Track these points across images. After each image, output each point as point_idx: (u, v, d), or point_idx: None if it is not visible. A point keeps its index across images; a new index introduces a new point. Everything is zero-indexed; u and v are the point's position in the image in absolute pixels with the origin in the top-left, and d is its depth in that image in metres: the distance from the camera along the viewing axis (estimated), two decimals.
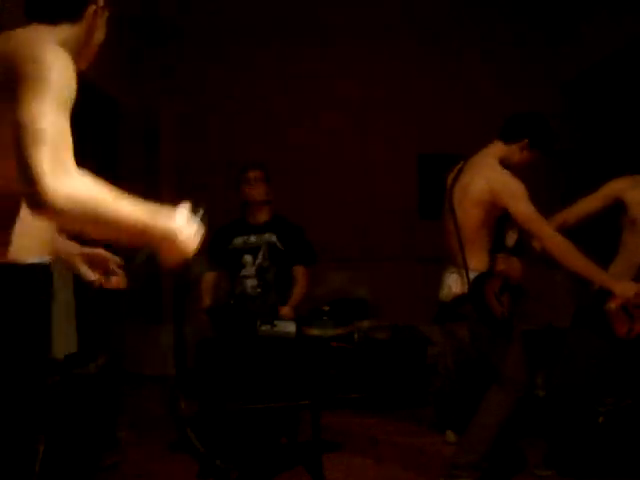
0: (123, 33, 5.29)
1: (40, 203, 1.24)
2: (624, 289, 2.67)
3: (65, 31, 1.53)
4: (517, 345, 2.90)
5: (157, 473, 3.18)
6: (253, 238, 3.50)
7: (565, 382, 2.94)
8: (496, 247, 2.85)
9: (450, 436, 3.59)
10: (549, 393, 3.11)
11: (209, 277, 3.57)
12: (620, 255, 2.82)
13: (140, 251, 1.49)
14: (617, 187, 2.83)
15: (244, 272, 3.47)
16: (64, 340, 3.66)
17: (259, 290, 3.44)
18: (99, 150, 5.03)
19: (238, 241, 3.51)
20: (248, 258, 3.48)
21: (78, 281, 3.99)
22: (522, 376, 2.87)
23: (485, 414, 2.81)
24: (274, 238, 3.50)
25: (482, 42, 5.61)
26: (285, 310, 3.39)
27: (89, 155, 4.83)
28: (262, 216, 3.53)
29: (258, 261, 3.47)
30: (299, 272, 3.53)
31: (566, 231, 2.81)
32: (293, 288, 3.50)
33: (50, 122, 1.27)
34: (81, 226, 1.42)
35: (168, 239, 1.45)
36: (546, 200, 5.66)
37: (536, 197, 5.47)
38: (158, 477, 3.14)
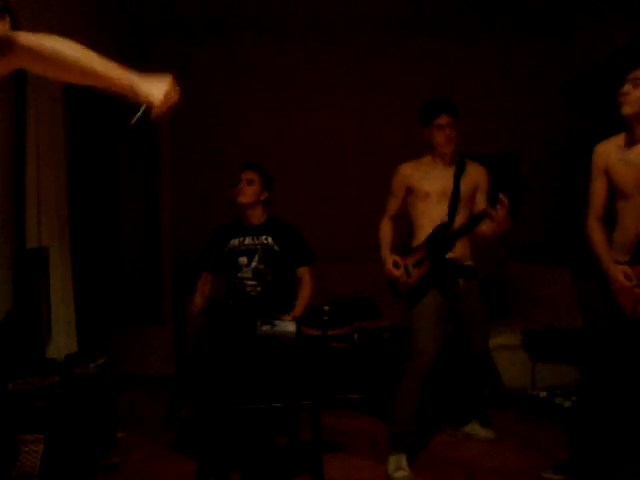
0: (124, 32, 5.30)
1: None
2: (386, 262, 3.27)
3: None
4: (420, 318, 3.18)
5: (157, 473, 3.18)
6: (248, 240, 3.50)
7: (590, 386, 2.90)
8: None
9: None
10: (576, 402, 3.08)
11: (205, 277, 3.57)
12: (617, 227, 2.80)
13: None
14: (601, 163, 2.82)
15: (241, 274, 3.47)
16: (64, 340, 3.66)
17: (259, 289, 3.44)
18: (99, 150, 5.04)
19: (234, 243, 3.52)
20: (243, 260, 3.47)
21: (78, 281, 4.00)
22: (425, 349, 3.14)
23: (399, 390, 3.22)
24: (270, 240, 3.49)
25: (481, 43, 5.62)
26: (294, 312, 3.36)
27: (89, 155, 4.85)
28: (256, 218, 3.53)
29: (254, 264, 3.46)
30: (304, 273, 3.52)
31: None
32: (300, 289, 3.49)
33: None
34: (47, 64, 1.46)
35: (146, 85, 1.50)
36: (547, 199, 5.70)
37: (537, 195, 5.46)
38: (158, 477, 3.14)
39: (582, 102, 5.37)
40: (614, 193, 2.78)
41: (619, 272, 2.67)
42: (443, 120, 3.25)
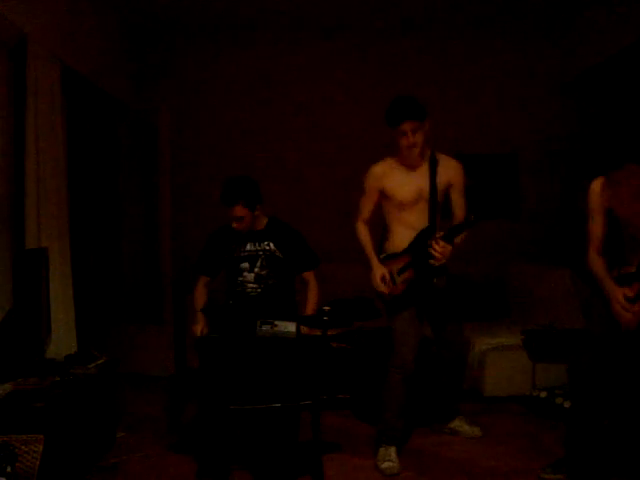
0: (123, 33, 5.30)
1: None
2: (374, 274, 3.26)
3: None
4: (399, 321, 3.26)
5: (157, 473, 3.18)
6: (250, 246, 3.46)
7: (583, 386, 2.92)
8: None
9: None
10: (573, 403, 3.10)
11: (203, 280, 3.56)
12: (626, 244, 2.83)
13: None
14: (599, 199, 2.81)
15: (242, 278, 3.44)
16: (64, 340, 3.66)
17: (259, 290, 3.43)
18: (99, 150, 5.03)
19: (235, 248, 3.47)
20: (245, 265, 3.44)
21: (78, 281, 4.00)
22: (405, 349, 3.23)
23: (384, 388, 3.32)
24: (272, 246, 3.45)
25: (481, 43, 5.61)
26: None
27: (89, 155, 4.85)
28: (258, 224, 3.49)
29: (256, 269, 3.43)
30: (310, 277, 3.53)
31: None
32: (308, 292, 3.50)
33: None
34: None
35: None
36: (547, 199, 5.69)
37: (537, 195, 5.45)
38: (158, 477, 3.14)
39: (582, 102, 5.38)
40: (621, 221, 2.79)
41: (620, 293, 2.70)
42: (406, 127, 3.14)
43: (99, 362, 3.35)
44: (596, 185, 2.83)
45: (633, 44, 4.25)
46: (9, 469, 2.21)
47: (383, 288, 3.22)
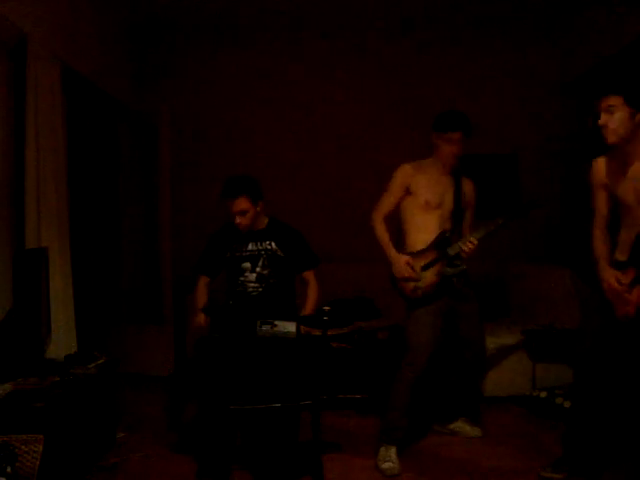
0: (123, 33, 5.30)
1: None
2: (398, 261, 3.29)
3: None
4: (420, 317, 3.28)
5: (157, 473, 3.18)
6: (251, 245, 3.47)
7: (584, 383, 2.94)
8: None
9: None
10: (574, 401, 3.13)
11: (203, 280, 3.56)
12: (621, 230, 2.87)
13: None
14: (599, 178, 2.89)
15: (243, 278, 3.45)
16: (64, 340, 3.66)
17: (260, 290, 3.43)
18: (99, 150, 5.04)
19: (236, 248, 3.48)
20: (247, 265, 3.44)
21: (77, 281, 4.00)
22: (422, 348, 3.25)
23: (393, 386, 3.32)
24: (274, 245, 3.46)
25: (481, 43, 5.61)
26: (305, 313, 3.40)
27: (89, 155, 4.85)
28: (259, 223, 3.50)
29: (258, 269, 3.44)
30: (310, 276, 3.54)
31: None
32: (308, 290, 3.51)
33: None
34: None
35: None
36: (546, 200, 5.68)
37: (537, 195, 5.43)
38: (158, 477, 3.14)
39: (582, 102, 5.37)
40: (616, 202, 2.84)
41: (611, 275, 2.74)
42: (456, 136, 3.32)
43: (99, 362, 3.35)
44: (597, 162, 2.91)
45: (633, 44, 4.25)
46: (9, 469, 2.21)
47: (410, 273, 3.25)
